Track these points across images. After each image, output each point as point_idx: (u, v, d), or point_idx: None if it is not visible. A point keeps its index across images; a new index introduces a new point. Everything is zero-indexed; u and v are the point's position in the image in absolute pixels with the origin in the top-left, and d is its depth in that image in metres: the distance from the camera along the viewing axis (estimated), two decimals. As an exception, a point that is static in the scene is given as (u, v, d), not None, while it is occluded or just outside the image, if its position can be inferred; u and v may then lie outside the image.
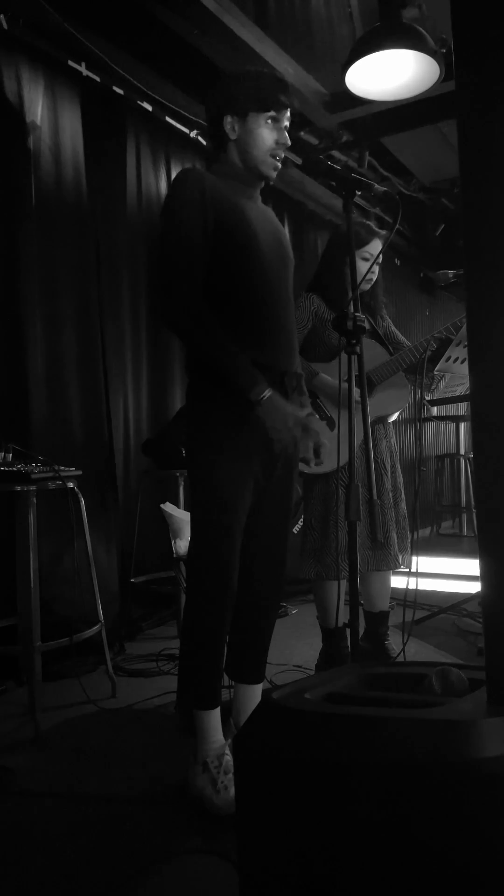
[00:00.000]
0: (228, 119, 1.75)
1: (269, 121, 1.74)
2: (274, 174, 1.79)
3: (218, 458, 1.71)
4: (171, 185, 1.75)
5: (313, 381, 2.42)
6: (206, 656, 1.75)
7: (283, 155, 1.78)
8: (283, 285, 1.83)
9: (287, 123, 1.77)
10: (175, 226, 1.68)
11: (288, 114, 1.77)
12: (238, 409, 1.67)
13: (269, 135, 1.74)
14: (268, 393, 1.63)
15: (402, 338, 2.62)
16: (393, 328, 2.64)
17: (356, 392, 1.76)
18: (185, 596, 1.81)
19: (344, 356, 1.72)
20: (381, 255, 2.42)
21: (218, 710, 1.79)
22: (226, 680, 1.88)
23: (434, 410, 6.22)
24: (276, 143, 1.75)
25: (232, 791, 1.61)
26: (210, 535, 1.73)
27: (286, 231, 4.53)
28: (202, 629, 1.74)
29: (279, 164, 1.78)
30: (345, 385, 1.84)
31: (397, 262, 5.97)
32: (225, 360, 1.63)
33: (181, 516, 2.94)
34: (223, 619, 1.76)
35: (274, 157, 1.76)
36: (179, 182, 1.71)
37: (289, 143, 1.77)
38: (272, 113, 1.73)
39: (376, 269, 2.49)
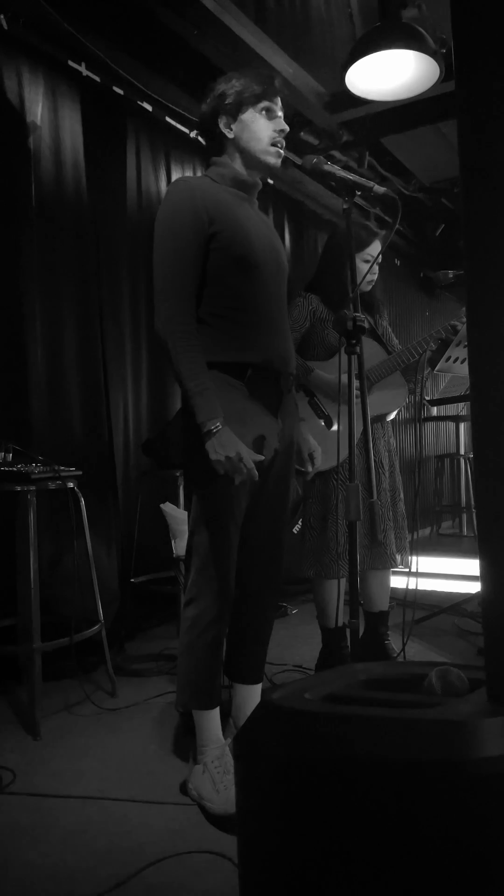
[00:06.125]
0: (223, 120, 1.76)
1: (264, 112, 1.75)
2: (278, 162, 1.78)
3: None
4: (164, 195, 1.75)
5: (309, 377, 2.42)
6: (204, 656, 1.75)
7: (284, 143, 1.79)
8: (279, 290, 1.83)
9: (280, 113, 1.78)
10: (165, 238, 1.69)
11: (280, 102, 1.78)
12: (230, 411, 1.66)
13: (266, 125, 1.75)
14: (218, 426, 1.61)
15: (395, 340, 2.62)
16: (389, 330, 2.64)
17: (356, 391, 1.76)
18: (183, 596, 1.81)
19: (343, 354, 1.73)
20: (380, 255, 2.42)
21: (217, 710, 1.79)
22: (225, 680, 1.88)
23: (434, 410, 6.23)
24: (275, 131, 1.76)
25: (232, 791, 1.61)
26: (206, 535, 1.73)
27: (286, 231, 4.56)
28: (200, 629, 1.74)
29: (282, 152, 1.78)
30: (343, 381, 1.84)
31: (397, 262, 5.97)
32: (190, 382, 1.62)
33: (181, 516, 2.94)
34: (221, 619, 1.76)
35: (275, 145, 1.76)
36: (172, 192, 1.72)
37: (287, 129, 1.78)
38: (265, 103, 1.75)
39: (376, 269, 2.49)
